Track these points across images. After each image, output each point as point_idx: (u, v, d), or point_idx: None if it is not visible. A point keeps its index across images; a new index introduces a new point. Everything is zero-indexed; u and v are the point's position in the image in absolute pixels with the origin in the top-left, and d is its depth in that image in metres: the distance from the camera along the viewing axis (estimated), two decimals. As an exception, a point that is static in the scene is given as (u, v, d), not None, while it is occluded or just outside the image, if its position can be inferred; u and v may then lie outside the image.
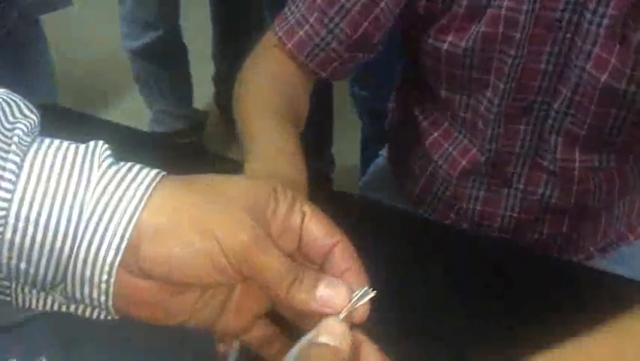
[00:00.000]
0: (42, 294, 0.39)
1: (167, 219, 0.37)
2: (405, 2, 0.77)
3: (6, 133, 0.36)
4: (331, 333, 0.38)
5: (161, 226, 0.37)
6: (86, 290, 0.37)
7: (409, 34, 0.85)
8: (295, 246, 0.40)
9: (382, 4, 0.75)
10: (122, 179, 0.37)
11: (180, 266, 0.37)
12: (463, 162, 0.87)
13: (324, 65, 0.78)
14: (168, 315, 0.40)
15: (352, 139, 1.79)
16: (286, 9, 0.78)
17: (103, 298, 0.38)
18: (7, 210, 0.35)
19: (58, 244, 0.36)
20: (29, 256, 0.36)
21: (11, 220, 0.35)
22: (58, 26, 1.70)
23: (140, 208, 0.37)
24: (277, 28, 0.78)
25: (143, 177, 0.38)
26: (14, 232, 0.35)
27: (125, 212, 0.36)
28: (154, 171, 0.39)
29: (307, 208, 0.40)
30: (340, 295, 0.39)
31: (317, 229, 0.40)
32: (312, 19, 0.76)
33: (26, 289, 0.39)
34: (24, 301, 0.39)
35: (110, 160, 0.38)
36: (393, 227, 0.80)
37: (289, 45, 0.77)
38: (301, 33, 0.76)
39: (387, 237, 0.76)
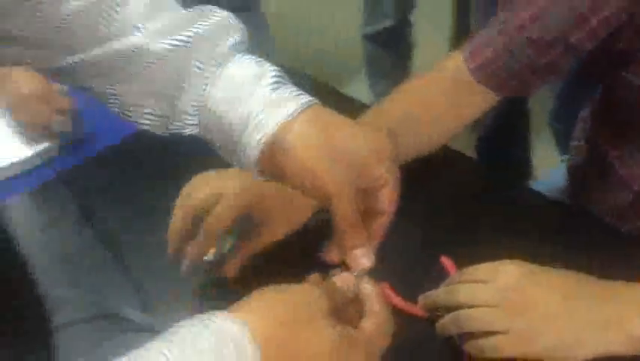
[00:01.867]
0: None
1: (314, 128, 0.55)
2: (600, 38, 0.75)
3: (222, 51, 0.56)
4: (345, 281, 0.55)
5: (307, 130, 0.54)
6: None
7: (602, 67, 0.85)
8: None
9: (573, 39, 0.74)
10: (279, 99, 0.54)
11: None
12: None
13: (503, 85, 0.79)
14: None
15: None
16: (479, 32, 0.81)
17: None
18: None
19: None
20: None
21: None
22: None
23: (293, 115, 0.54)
24: (465, 48, 0.80)
25: (294, 99, 0.55)
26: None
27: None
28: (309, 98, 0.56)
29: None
30: (360, 263, 0.55)
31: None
32: (499, 43, 0.77)
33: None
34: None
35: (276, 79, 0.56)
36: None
37: (472, 65, 0.78)
38: (487, 54, 0.78)
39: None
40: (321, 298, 0.50)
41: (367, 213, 0.57)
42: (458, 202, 0.86)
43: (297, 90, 0.56)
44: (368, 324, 0.53)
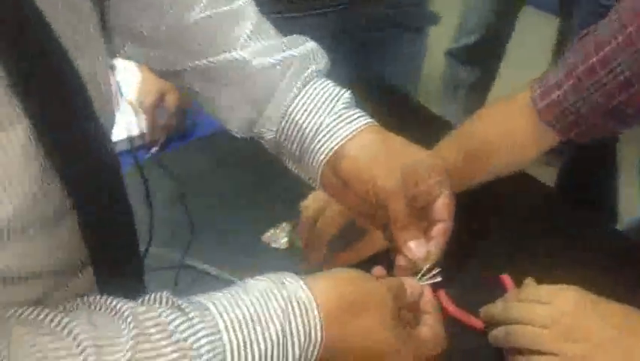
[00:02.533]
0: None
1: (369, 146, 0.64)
2: None
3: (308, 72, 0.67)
4: (411, 286, 0.60)
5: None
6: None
7: None
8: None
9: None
10: (349, 116, 0.65)
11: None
12: None
13: (571, 128, 0.80)
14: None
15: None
16: (548, 72, 0.81)
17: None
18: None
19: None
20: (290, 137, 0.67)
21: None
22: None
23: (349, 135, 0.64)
24: (534, 88, 0.81)
25: (362, 117, 0.66)
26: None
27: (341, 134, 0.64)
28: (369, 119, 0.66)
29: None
30: (416, 253, 0.62)
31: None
32: (567, 85, 0.78)
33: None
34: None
35: (348, 101, 0.67)
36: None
37: (540, 105, 0.80)
38: (554, 96, 0.79)
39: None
40: (389, 296, 0.54)
41: (427, 224, 0.65)
42: (527, 225, 0.88)
43: (364, 113, 0.67)
44: (423, 331, 0.58)
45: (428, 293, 0.61)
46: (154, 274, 0.63)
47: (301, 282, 0.51)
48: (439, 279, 0.62)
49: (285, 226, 0.88)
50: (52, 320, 0.44)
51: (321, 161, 0.64)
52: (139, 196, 0.59)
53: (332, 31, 1.22)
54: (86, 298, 0.48)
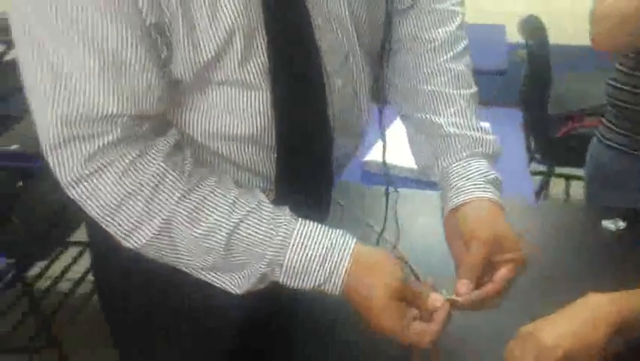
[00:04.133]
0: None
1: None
2: None
3: None
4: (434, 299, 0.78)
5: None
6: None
7: None
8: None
9: None
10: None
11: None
12: None
13: None
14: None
15: None
16: None
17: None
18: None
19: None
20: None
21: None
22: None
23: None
24: None
25: (489, 192, 0.87)
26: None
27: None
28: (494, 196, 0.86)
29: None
30: (461, 288, 0.80)
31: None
32: None
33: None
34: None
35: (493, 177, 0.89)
36: None
37: None
38: None
39: None
40: (397, 278, 0.77)
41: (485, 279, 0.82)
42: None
43: (494, 191, 0.87)
44: (416, 325, 0.75)
45: (444, 306, 0.76)
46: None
47: (348, 251, 0.78)
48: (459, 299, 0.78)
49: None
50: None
51: (449, 207, 0.87)
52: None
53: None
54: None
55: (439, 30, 0.93)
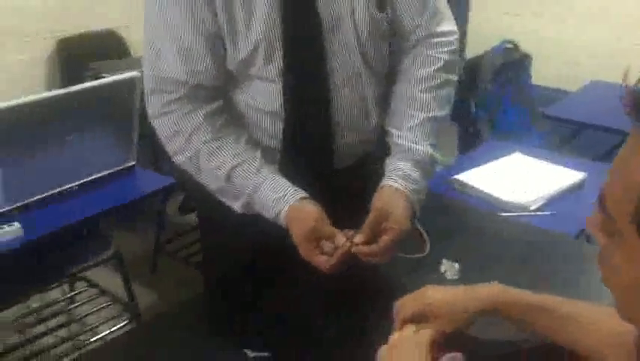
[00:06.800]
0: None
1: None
2: None
3: None
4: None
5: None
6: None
7: None
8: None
9: None
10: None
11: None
12: None
13: None
14: None
15: None
16: None
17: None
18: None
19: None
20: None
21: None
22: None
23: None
24: None
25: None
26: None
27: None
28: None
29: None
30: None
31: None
32: None
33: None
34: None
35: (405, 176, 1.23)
36: None
37: None
38: None
39: None
40: (315, 220, 1.15)
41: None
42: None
43: (402, 180, 1.21)
44: (321, 256, 1.12)
45: (344, 246, 1.11)
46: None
47: (289, 205, 1.16)
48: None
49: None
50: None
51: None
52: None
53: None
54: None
55: (422, 70, 1.26)
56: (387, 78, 1.30)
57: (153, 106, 1.22)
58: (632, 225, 0.59)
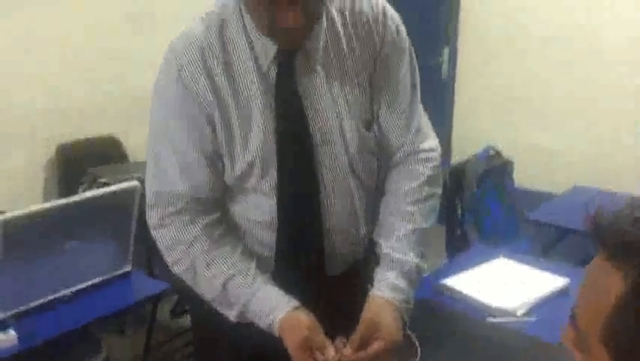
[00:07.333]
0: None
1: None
2: None
3: None
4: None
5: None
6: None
7: None
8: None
9: None
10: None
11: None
12: None
13: None
14: None
15: None
16: None
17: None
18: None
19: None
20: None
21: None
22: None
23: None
24: None
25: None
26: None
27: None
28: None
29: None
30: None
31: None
32: None
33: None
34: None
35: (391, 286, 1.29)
36: None
37: None
38: None
39: None
40: (307, 329, 1.19)
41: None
42: None
43: (389, 291, 1.27)
44: None
45: (334, 358, 1.16)
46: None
47: (282, 315, 1.21)
48: None
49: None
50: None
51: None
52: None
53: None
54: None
55: (408, 184, 1.34)
56: (376, 190, 1.38)
57: (154, 218, 1.28)
58: (600, 344, 0.63)
